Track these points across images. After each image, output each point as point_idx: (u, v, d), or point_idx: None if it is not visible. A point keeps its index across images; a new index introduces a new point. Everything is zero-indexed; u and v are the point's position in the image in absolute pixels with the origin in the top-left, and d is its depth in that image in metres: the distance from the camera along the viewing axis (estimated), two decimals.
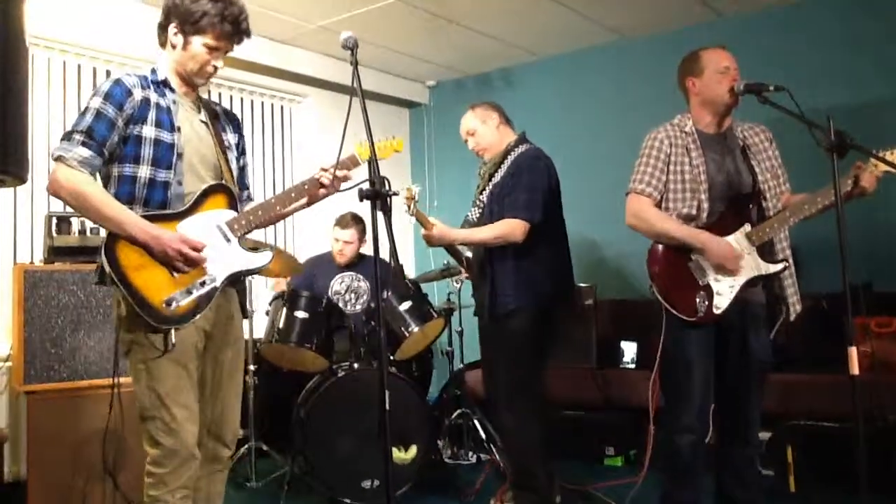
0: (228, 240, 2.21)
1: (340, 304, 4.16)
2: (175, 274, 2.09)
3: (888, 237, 4.19)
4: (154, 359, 2.09)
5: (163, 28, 2.24)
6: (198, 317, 2.11)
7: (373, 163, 2.11)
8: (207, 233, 2.18)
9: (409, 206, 2.91)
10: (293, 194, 2.34)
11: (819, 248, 3.78)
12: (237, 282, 2.34)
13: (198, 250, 2.11)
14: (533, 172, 3.12)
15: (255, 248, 2.35)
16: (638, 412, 3.86)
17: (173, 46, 2.23)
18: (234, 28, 2.22)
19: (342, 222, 4.23)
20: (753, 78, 2.58)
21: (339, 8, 4.54)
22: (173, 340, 2.07)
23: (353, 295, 4.25)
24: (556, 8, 4.65)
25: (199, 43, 2.19)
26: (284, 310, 3.63)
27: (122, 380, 2.97)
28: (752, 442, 2.69)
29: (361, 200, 2.21)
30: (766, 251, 2.63)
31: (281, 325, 3.59)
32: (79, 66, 4.38)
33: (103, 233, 2.12)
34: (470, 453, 4.36)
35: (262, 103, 5.46)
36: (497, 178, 3.21)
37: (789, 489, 3.50)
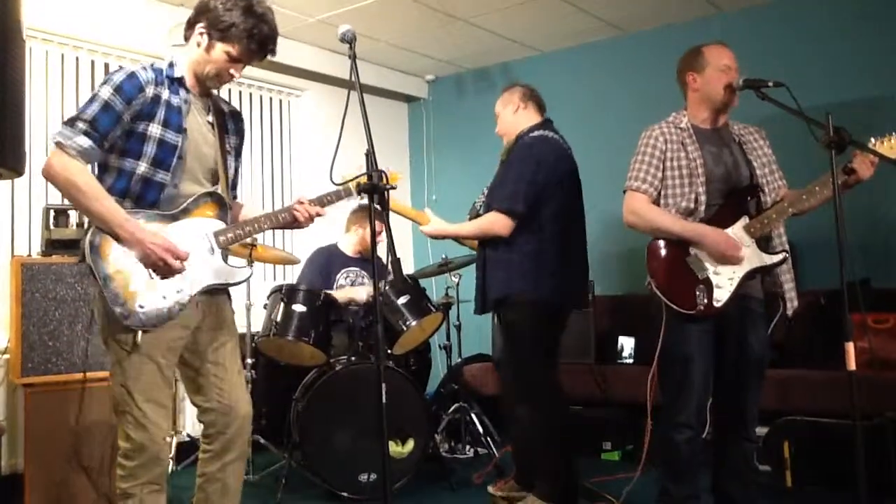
0: (213, 251, 2.21)
1: None
2: (153, 276, 2.09)
3: (886, 233, 4.19)
4: (126, 356, 2.09)
5: (190, 25, 2.22)
6: (167, 322, 2.10)
7: (370, 156, 2.11)
8: (194, 240, 2.17)
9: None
10: (282, 216, 2.32)
11: (817, 244, 3.79)
12: (219, 291, 2.32)
13: (181, 260, 2.11)
14: (522, 163, 3.02)
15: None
16: (635, 407, 3.87)
17: (197, 45, 2.20)
18: (260, 48, 2.21)
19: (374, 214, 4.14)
20: (752, 73, 2.57)
21: (338, 2, 4.52)
22: (139, 340, 2.07)
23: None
24: (555, 3, 4.64)
25: (221, 49, 2.17)
26: (282, 304, 3.62)
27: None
28: (749, 438, 2.69)
29: (359, 195, 2.22)
30: (763, 245, 2.63)
31: (279, 318, 3.58)
32: (76, 59, 4.37)
33: None
34: (467, 447, 4.37)
35: (261, 97, 5.45)
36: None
37: (786, 485, 3.51)
